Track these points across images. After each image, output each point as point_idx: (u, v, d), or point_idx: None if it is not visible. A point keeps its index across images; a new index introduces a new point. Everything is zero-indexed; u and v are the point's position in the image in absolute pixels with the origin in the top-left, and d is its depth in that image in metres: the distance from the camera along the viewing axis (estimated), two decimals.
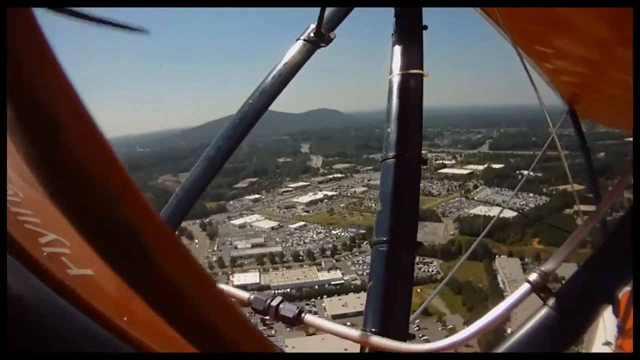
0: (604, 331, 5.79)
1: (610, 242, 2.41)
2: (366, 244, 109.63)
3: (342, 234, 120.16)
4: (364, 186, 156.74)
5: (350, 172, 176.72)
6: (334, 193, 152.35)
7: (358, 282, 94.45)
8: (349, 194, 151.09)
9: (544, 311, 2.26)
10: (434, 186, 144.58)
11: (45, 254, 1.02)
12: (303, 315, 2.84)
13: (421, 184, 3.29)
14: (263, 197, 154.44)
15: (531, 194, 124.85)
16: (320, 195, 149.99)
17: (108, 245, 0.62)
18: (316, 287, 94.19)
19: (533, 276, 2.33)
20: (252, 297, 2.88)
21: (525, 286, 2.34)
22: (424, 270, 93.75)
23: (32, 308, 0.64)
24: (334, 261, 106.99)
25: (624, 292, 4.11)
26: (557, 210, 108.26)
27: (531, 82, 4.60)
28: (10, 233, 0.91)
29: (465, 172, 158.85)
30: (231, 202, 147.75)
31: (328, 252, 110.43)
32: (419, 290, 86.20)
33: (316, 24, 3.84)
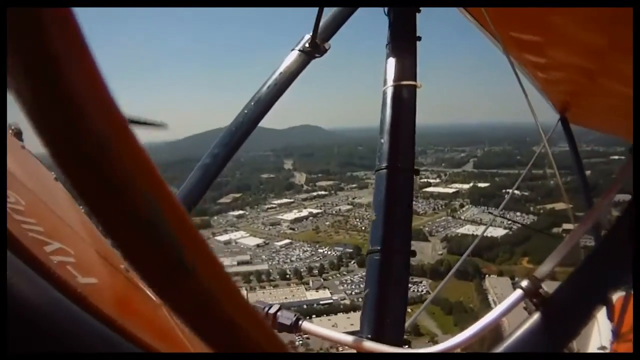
0: (599, 336, 6.00)
1: (604, 246, 2.48)
2: (354, 263, 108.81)
3: (329, 252, 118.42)
4: (348, 204, 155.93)
5: (334, 189, 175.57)
6: (319, 211, 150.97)
7: (347, 301, 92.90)
8: (334, 212, 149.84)
9: (536, 316, 2.34)
10: (420, 205, 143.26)
11: (55, 262, 1.02)
12: (300, 322, 2.99)
13: None
14: (247, 213, 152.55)
15: (518, 213, 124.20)
16: (305, 212, 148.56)
17: (148, 251, 0.61)
18: (304, 306, 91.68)
19: (525, 282, 2.42)
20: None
21: (518, 292, 2.43)
22: (414, 290, 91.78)
23: (48, 315, 0.65)
24: (322, 280, 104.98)
25: (618, 297, 5.03)
26: (545, 229, 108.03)
27: (523, 91, 4.56)
28: (19, 239, 0.91)
29: (450, 191, 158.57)
30: (215, 218, 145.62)
31: (315, 271, 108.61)
32: (409, 310, 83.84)
33: (311, 34, 3.93)
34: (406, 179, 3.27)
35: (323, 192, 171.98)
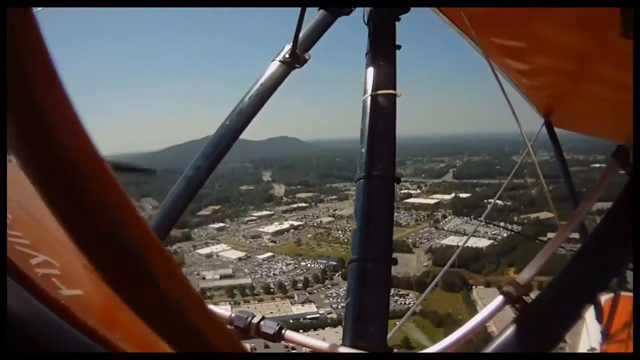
0: (588, 338, 6.12)
1: (590, 248, 2.57)
2: (338, 276, 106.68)
3: (312, 265, 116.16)
4: (329, 216, 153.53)
5: (314, 201, 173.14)
6: (300, 223, 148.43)
7: (334, 315, 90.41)
8: (315, 224, 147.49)
9: (519, 319, 2.40)
10: (402, 216, 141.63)
11: (40, 274, 1.03)
12: (284, 331, 3.04)
13: None
14: (228, 225, 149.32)
15: (502, 223, 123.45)
16: (286, 225, 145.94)
17: (115, 265, 0.64)
18: (291, 321, 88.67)
19: (508, 287, 2.50)
20: (233, 315, 3.00)
21: (500, 298, 2.54)
22: (400, 303, 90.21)
23: (32, 327, 0.66)
24: (307, 294, 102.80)
25: (607, 298, 5.56)
26: (529, 239, 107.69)
27: (505, 97, 4.43)
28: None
29: (432, 201, 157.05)
30: (195, 230, 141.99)
31: (300, 285, 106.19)
32: (397, 323, 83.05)
33: (291, 45, 3.92)
34: (387, 187, 3.27)
35: (303, 204, 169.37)
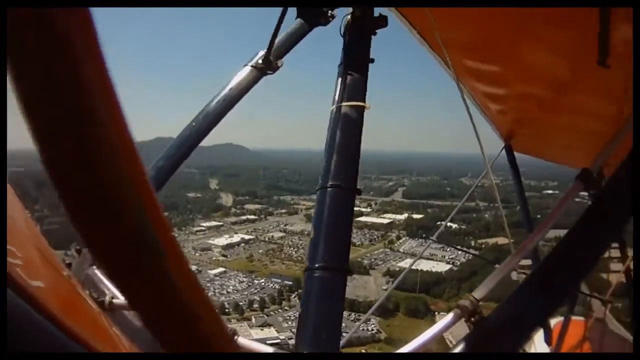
0: None
1: (541, 270, 2.64)
2: (295, 297, 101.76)
3: (266, 284, 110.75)
4: (280, 231, 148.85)
5: (263, 214, 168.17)
6: (251, 237, 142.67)
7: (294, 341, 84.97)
8: (266, 239, 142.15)
9: (473, 336, 2.53)
10: (355, 235, 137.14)
11: (9, 263, 1.04)
12: (236, 338, 3.15)
13: None
14: (176, 235, 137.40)
15: (459, 247, 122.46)
16: (237, 238, 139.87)
17: (135, 264, 0.65)
18: None
19: (464, 302, 2.62)
20: None
21: (456, 312, 2.67)
22: (363, 329, 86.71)
23: (10, 315, 0.67)
24: (265, 316, 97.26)
25: (557, 321, 6.03)
26: (490, 264, 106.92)
27: (471, 121, 4.43)
28: None
29: (385, 221, 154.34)
30: None
31: (256, 305, 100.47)
32: (363, 350, 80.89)
33: (266, 50, 3.96)
34: (348, 198, 3.25)
35: (252, 217, 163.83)
